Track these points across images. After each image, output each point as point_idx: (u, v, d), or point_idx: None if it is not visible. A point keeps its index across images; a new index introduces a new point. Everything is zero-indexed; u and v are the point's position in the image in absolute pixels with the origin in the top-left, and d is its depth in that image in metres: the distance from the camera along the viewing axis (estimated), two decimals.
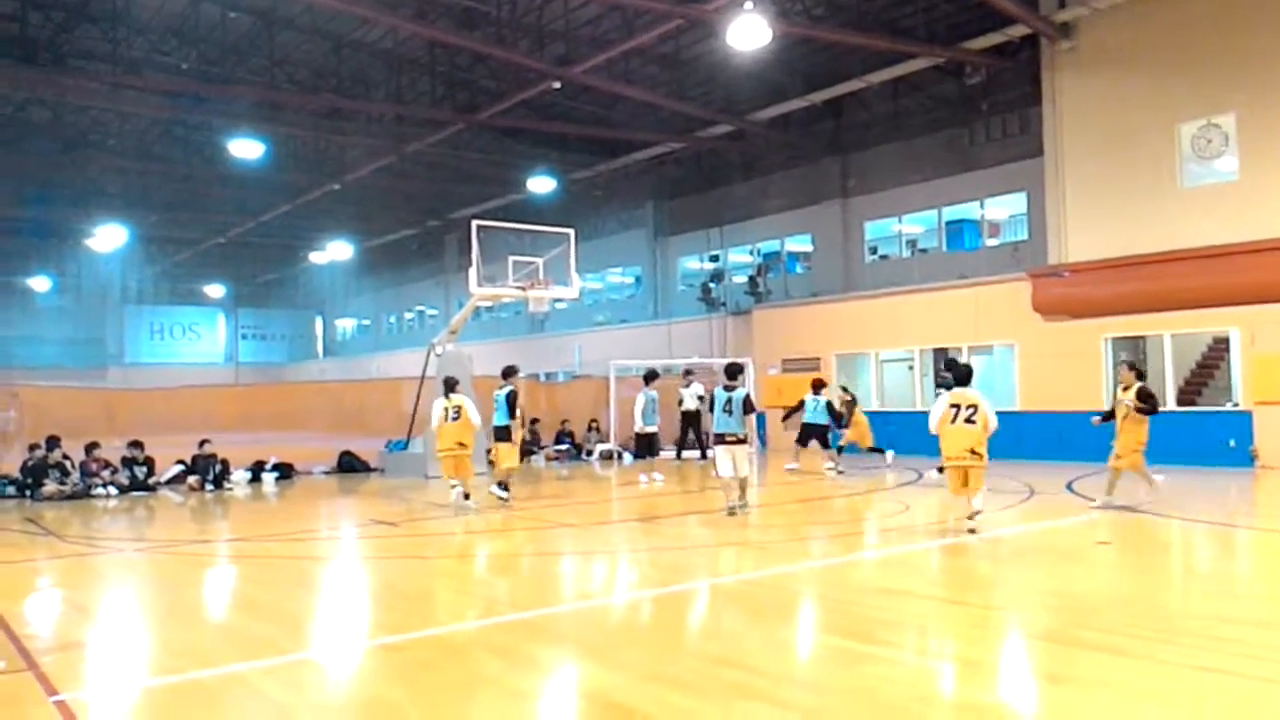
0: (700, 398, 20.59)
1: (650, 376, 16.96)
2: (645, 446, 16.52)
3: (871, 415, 20.43)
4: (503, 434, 12.72)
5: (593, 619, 6.68)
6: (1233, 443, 15.60)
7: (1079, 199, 17.78)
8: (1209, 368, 18.05)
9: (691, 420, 20.33)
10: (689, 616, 6.80)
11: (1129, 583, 7.81)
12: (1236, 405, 16.06)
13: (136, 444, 15.96)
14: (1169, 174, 16.58)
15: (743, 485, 11.01)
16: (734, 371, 11.25)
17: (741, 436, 10.78)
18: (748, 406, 10.85)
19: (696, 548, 9.74)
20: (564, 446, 20.88)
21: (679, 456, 20.27)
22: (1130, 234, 16.84)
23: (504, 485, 12.84)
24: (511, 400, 12.63)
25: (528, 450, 19.86)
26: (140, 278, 45.23)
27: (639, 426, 16.63)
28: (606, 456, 19.89)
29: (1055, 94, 18.12)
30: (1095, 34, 17.36)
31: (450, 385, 12.70)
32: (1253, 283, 15.25)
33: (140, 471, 15.69)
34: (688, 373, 20.71)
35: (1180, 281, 16.02)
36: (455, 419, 12.32)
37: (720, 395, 10.94)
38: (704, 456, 20.21)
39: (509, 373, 13.24)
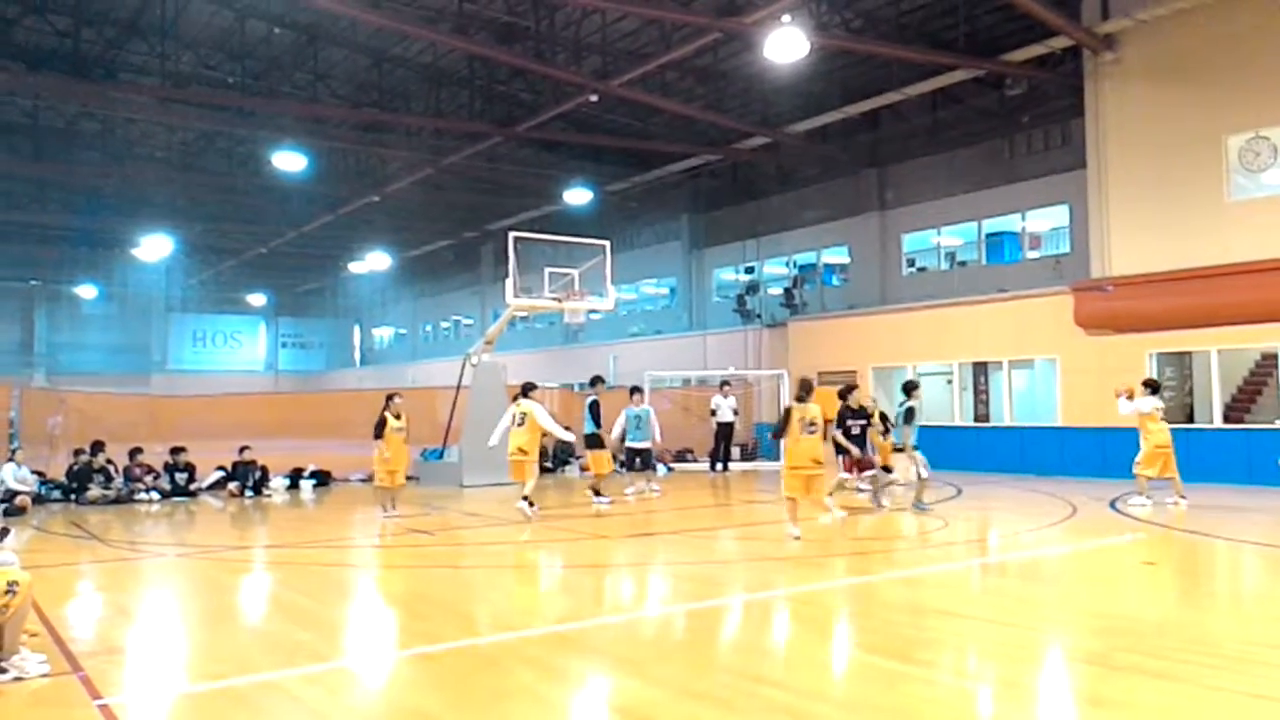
0: (735, 411, 20.52)
1: (634, 391, 15.93)
2: (633, 461, 15.59)
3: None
4: (592, 441, 13.67)
5: (627, 632, 6.67)
6: None
7: (1123, 212, 17.47)
8: (1257, 384, 17.63)
9: (726, 432, 20.26)
10: (724, 632, 6.75)
11: (1175, 605, 7.64)
12: None
13: (179, 450, 16.28)
14: (1215, 187, 16.24)
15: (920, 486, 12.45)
16: (910, 388, 12.82)
17: (899, 446, 12.65)
18: (907, 417, 12.49)
19: (731, 562, 9.69)
20: None
21: (713, 468, 20.21)
22: (1176, 247, 16.51)
23: (597, 491, 13.60)
24: (594, 409, 13.60)
25: (563, 460, 19.94)
26: (184, 286, 46.27)
27: (617, 439, 15.32)
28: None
29: (1098, 106, 17.84)
30: (1139, 45, 17.08)
31: (525, 390, 12.77)
32: None
33: (182, 477, 16.01)
34: (724, 384, 20.63)
35: (1227, 296, 15.63)
36: (520, 424, 12.17)
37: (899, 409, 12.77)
38: (725, 469, 20.13)
39: (595, 381, 14.32)
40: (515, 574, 9.57)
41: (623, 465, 15.92)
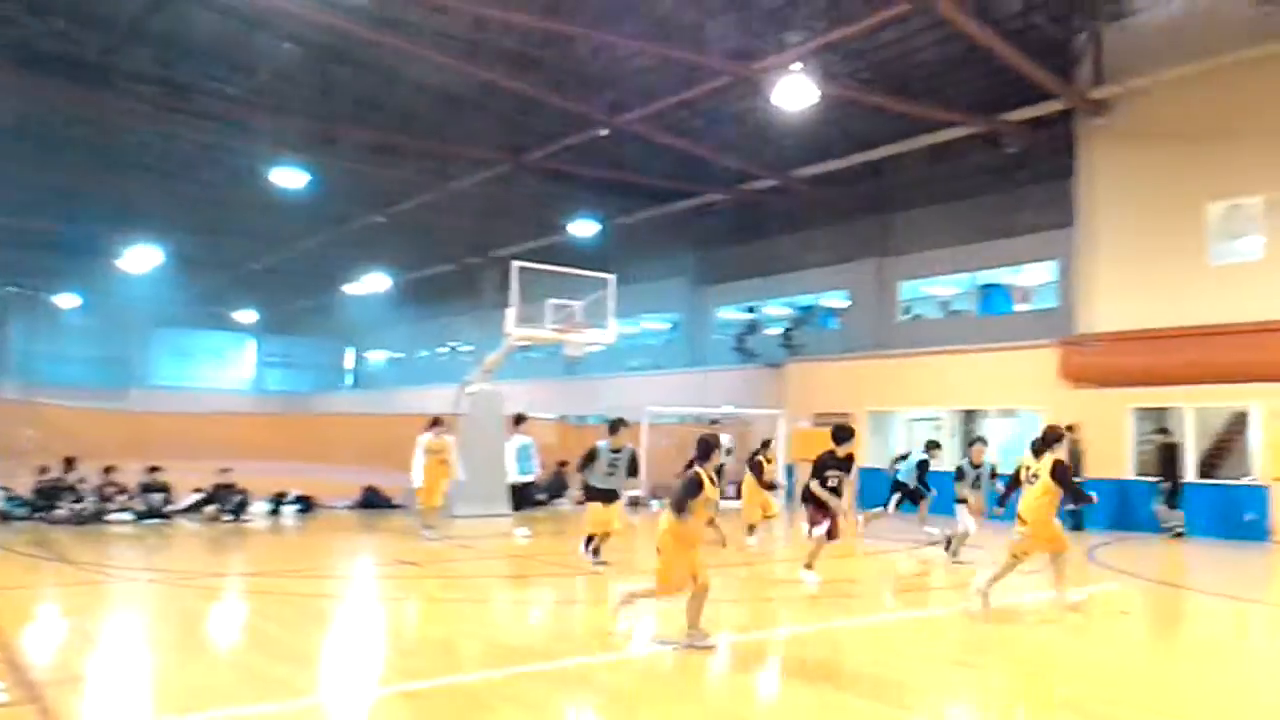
0: (729, 450, 20.14)
1: (518, 420, 14.69)
2: (516, 498, 14.37)
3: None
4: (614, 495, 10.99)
5: (622, 671, 6.48)
6: (1249, 516, 15.47)
7: (1109, 270, 17.84)
8: (1229, 441, 17.77)
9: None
10: (713, 673, 6.53)
11: (1148, 655, 7.81)
12: (1254, 480, 15.89)
13: (154, 469, 15.58)
14: (1197, 250, 16.61)
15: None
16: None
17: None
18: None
19: (718, 602, 9.44)
20: None
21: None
22: (1158, 307, 16.89)
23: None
24: (634, 461, 11.36)
25: (555, 494, 19.58)
26: (170, 299, 45.09)
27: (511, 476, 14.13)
28: (634, 502, 19.48)
29: (1089, 167, 18.27)
30: (1130, 110, 17.49)
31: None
32: (1274, 361, 15.34)
33: (157, 498, 15.31)
34: (713, 422, 20.39)
35: (1206, 356, 16.00)
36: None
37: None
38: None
39: (619, 426, 11.18)
40: (504, 608, 9.30)
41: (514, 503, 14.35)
